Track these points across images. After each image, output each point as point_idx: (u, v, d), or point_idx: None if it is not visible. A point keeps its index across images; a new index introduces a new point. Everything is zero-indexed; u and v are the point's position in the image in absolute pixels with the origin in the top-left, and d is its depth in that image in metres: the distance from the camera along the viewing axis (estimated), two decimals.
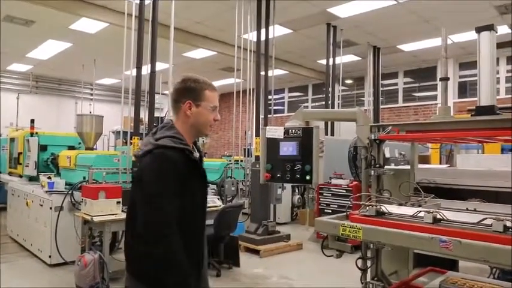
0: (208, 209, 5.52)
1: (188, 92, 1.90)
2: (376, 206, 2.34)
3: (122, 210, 4.84)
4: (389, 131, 2.70)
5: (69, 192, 5.46)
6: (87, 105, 12.88)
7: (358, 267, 2.80)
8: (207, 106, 1.91)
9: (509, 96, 10.81)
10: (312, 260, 6.48)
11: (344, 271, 5.30)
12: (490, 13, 8.30)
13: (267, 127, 2.91)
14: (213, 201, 5.70)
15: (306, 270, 5.99)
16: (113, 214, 4.71)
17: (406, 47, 11.13)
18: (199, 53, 11.89)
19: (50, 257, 5.51)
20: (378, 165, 2.74)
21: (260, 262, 6.27)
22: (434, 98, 12.56)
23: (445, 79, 2.68)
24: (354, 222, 2.25)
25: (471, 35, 9.19)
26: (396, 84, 13.77)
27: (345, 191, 6.81)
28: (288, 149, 2.83)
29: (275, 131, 2.87)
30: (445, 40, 2.65)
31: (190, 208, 1.85)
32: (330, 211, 6.95)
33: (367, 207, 2.39)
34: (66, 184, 5.93)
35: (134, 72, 6.04)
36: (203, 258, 2.00)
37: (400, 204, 2.68)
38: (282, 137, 2.85)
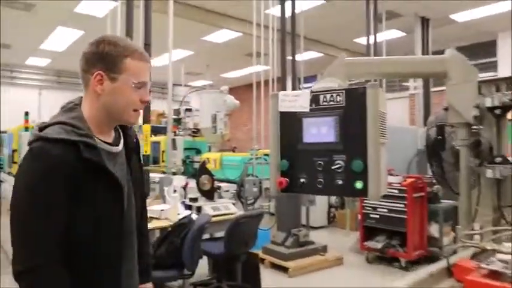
0: (220, 218, 4.16)
1: (100, 58, 1.32)
2: None
3: None
4: None
5: None
6: None
7: None
8: (128, 81, 1.34)
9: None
10: (355, 280, 5.11)
11: None
12: None
13: (280, 92, 1.61)
14: (226, 208, 4.45)
15: None
16: None
17: (460, 16, 9.41)
18: (222, 36, 10.64)
19: None
20: (500, 159, 1.38)
21: (288, 283, 4.94)
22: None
23: None
24: None
25: None
26: None
27: (397, 191, 5.30)
28: (320, 130, 1.51)
29: (295, 100, 1.57)
30: None
31: (91, 229, 1.29)
32: (377, 216, 5.54)
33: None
34: None
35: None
36: None
37: None
38: (308, 110, 1.54)
